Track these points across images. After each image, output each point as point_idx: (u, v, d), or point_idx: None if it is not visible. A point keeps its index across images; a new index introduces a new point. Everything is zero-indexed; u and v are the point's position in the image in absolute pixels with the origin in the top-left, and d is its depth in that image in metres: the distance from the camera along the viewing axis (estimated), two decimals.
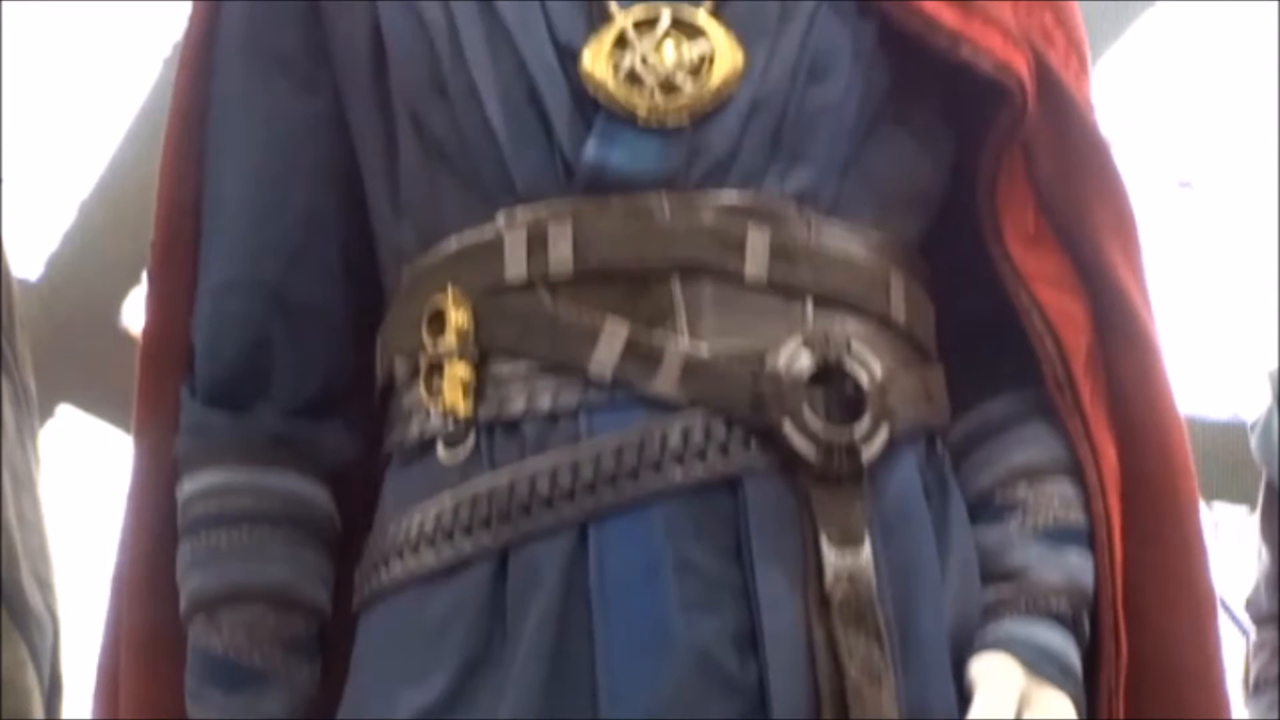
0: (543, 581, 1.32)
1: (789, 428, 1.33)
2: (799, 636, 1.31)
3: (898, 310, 1.41)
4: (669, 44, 1.38)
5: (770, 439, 1.34)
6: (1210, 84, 5.72)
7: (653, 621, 1.31)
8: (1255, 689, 3.12)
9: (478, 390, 1.37)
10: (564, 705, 1.30)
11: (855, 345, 1.37)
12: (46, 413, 3.32)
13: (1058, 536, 1.43)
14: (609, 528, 1.33)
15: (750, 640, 1.31)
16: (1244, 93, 5.62)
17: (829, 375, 1.36)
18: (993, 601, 1.42)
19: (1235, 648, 3.13)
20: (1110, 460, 1.45)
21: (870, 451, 1.35)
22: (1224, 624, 1.52)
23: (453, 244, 1.40)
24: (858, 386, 1.36)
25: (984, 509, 1.45)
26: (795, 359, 1.35)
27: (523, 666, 1.31)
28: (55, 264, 5.53)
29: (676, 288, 1.36)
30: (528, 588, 1.32)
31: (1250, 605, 3.16)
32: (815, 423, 1.34)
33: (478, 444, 1.37)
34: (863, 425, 1.35)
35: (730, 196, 1.37)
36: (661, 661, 1.30)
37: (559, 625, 1.31)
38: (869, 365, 1.37)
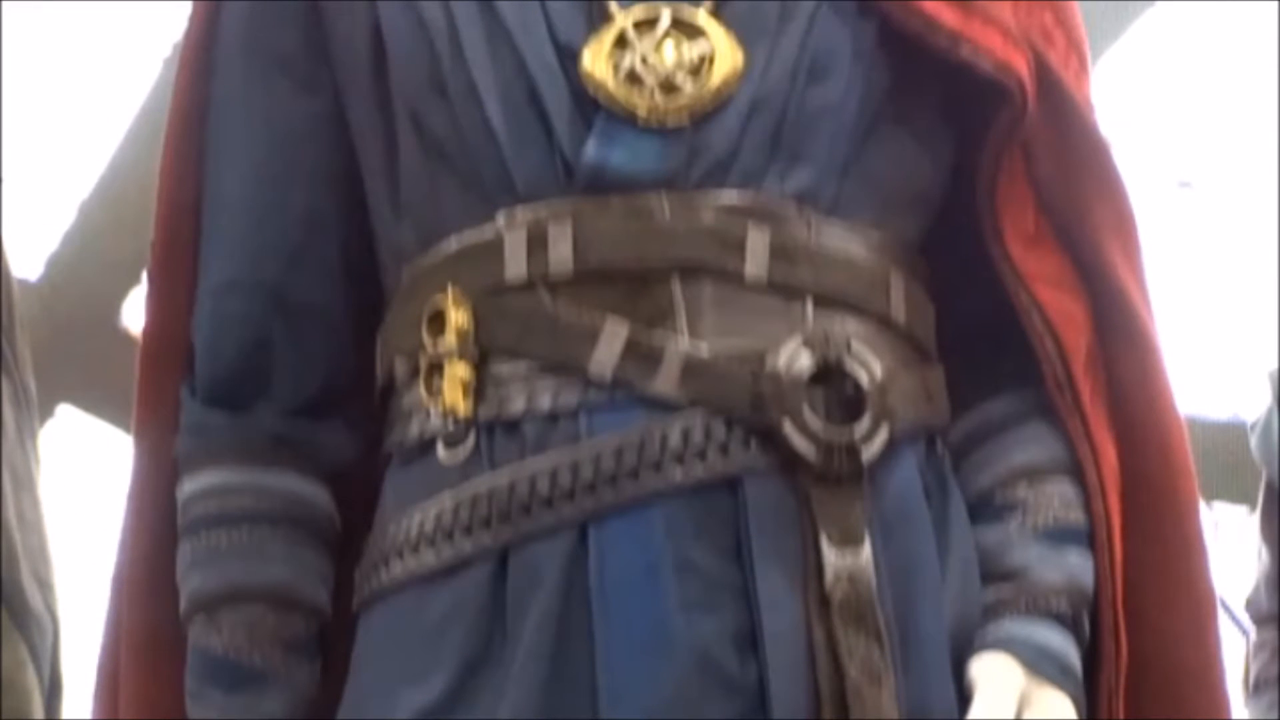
0: (543, 581, 1.32)
1: (789, 428, 1.33)
2: (799, 636, 1.31)
3: (898, 310, 1.41)
4: (669, 44, 1.38)
5: (770, 439, 1.34)
6: (1210, 84, 5.72)
7: (653, 621, 1.30)
8: (1255, 689, 3.12)
9: (478, 390, 1.37)
10: (564, 705, 1.30)
11: (855, 345, 1.37)
12: (46, 413, 3.32)
13: (1058, 536, 1.43)
14: (609, 528, 1.33)
15: (750, 640, 1.31)
16: (1244, 93, 5.62)
17: (829, 375, 1.36)
18: (993, 601, 1.42)
19: (1235, 648, 3.12)
20: (1110, 460, 1.45)
21: (870, 451, 1.35)
22: (1224, 624, 1.52)
23: (453, 244, 1.40)
24: (858, 386, 1.36)
25: (984, 509, 1.45)
26: (795, 359, 1.35)
27: (523, 666, 1.31)
28: (55, 264, 5.52)
29: (676, 288, 1.36)
30: (528, 588, 1.32)
31: (1250, 605, 3.16)
32: (815, 423, 1.34)
33: (478, 444, 1.37)
34: (863, 425, 1.35)
35: (730, 196, 1.37)
36: (661, 661, 1.30)
37: (559, 625, 1.31)
38: (869, 365, 1.37)
